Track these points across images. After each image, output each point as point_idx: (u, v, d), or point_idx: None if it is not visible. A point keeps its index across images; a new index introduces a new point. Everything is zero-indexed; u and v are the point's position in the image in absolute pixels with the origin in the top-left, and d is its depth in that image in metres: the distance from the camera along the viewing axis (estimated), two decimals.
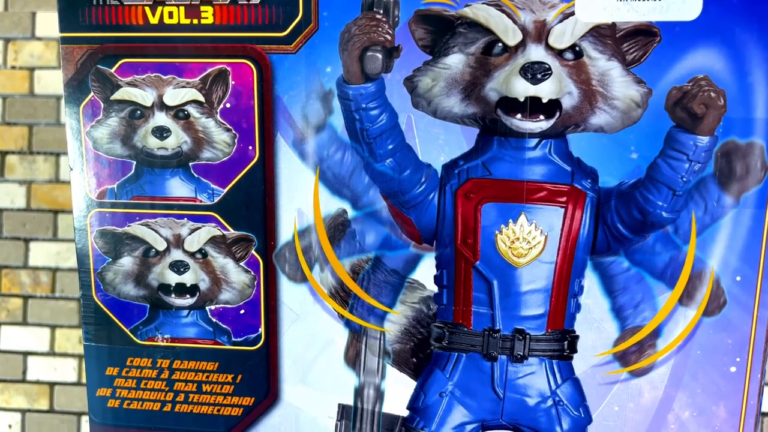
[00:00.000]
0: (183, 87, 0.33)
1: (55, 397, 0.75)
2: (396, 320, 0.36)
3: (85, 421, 0.75)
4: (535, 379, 0.35)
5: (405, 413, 0.36)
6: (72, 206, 0.36)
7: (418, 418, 0.36)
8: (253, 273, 0.36)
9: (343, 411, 0.37)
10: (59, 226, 0.77)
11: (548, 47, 0.31)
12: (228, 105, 0.34)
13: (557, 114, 0.31)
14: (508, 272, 0.34)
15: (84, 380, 0.75)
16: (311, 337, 0.36)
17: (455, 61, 0.32)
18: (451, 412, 0.36)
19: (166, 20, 0.34)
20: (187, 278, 0.36)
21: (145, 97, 0.33)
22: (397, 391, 0.36)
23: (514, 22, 0.31)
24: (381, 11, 0.32)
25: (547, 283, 0.34)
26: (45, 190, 0.74)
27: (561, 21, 0.31)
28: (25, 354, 0.75)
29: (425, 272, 0.35)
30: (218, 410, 0.37)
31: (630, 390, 0.35)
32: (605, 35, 0.31)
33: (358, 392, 0.37)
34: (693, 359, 0.35)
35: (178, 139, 0.34)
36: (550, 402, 0.35)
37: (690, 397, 0.35)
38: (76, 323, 0.74)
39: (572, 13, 0.30)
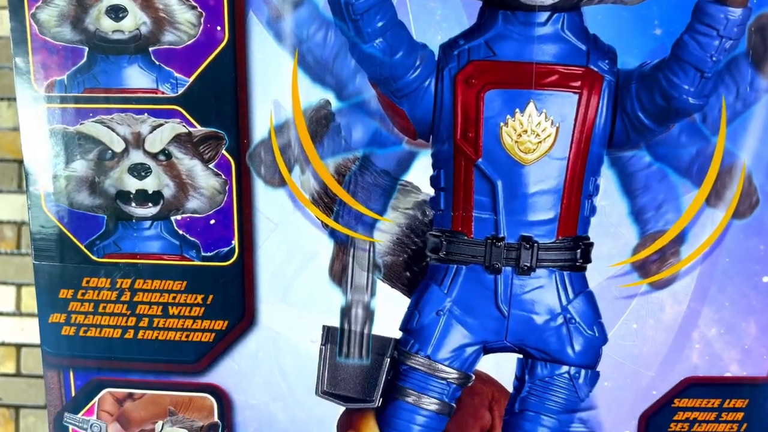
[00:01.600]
0: None
1: (22, 359, 0.71)
2: (387, 229, 0.32)
3: None
4: (543, 293, 0.31)
5: (397, 335, 0.33)
6: (17, 102, 0.31)
7: (412, 340, 0.33)
8: (223, 177, 0.31)
9: (328, 334, 0.33)
10: (24, 177, 0.72)
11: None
12: None
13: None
14: (514, 170, 0.30)
15: None
16: (291, 250, 0.32)
17: None
18: (449, 332, 0.32)
19: None
20: (149, 184, 0.32)
21: None
22: (389, 311, 0.32)
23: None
24: None
25: (558, 183, 0.30)
26: (9, 139, 0.69)
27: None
28: None
29: (420, 173, 0.31)
30: (187, 336, 0.33)
31: (650, 305, 0.31)
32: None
33: (345, 312, 0.33)
34: (721, 269, 0.31)
35: (135, 20, 0.30)
36: (560, 320, 0.32)
37: (717, 313, 0.31)
38: None
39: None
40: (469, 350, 0.33)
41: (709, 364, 0.32)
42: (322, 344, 0.33)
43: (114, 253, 0.33)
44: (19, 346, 0.69)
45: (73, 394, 0.34)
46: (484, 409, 0.33)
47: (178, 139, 0.31)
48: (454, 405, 0.33)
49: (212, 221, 0.32)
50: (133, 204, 0.32)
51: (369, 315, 0.33)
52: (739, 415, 0.32)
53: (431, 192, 0.31)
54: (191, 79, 0.30)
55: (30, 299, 0.69)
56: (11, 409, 0.70)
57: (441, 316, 0.32)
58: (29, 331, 0.69)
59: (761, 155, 0.30)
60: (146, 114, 0.31)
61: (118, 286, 0.33)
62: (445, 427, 0.33)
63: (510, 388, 0.33)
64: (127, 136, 0.31)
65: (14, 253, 0.69)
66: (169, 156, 0.31)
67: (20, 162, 0.71)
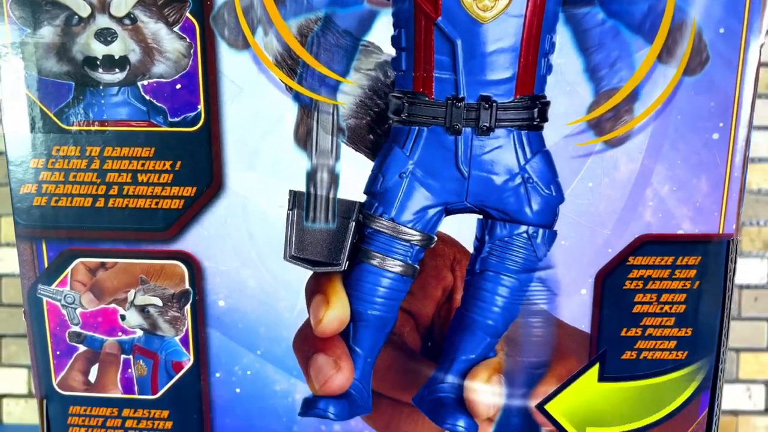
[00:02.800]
0: None
1: (3, 289, 0.71)
2: (350, 91, 0.32)
3: None
4: (502, 153, 0.32)
5: (362, 199, 0.34)
6: None
7: (376, 203, 0.33)
8: (188, 40, 0.32)
9: (295, 198, 0.33)
10: None
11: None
12: None
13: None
14: (473, 29, 0.31)
15: None
16: (256, 114, 0.32)
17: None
18: (411, 195, 0.33)
19: None
20: (115, 49, 0.32)
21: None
22: (353, 174, 0.33)
23: None
24: None
25: (516, 41, 0.31)
26: None
27: None
28: None
29: (381, 33, 0.31)
30: (156, 203, 0.34)
31: (605, 163, 0.32)
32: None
33: (311, 176, 0.33)
34: (673, 126, 0.32)
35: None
36: (518, 180, 0.33)
37: (669, 170, 0.32)
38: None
39: None
40: (432, 212, 0.33)
41: (663, 222, 0.33)
42: (289, 209, 0.34)
43: (83, 121, 0.33)
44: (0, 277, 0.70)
45: (46, 265, 0.35)
46: (446, 270, 0.34)
47: (142, 3, 0.31)
48: (418, 267, 0.34)
49: (178, 86, 0.32)
50: (100, 70, 0.32)
51: (334, 179, 0.33)
52: (692, 273, 0.33)
53: (393, 52, 0.32)
54: None
55: (8, 228, 0.70)
56: None
57: (404, 178, 0.33)
58: (8, 261, 0.70)
59: (710, 11, 0.30)
60: None
61: (87, 154, 0.33)
62: (409, 289, 0.35)
63: (471, 249, 0.34)
64: (93, 0, 0.32)
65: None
66: (134, 20, 0.32)
67: None
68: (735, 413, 0.69)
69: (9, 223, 0.73)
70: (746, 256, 0.67)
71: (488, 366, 0.35)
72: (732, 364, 0.69)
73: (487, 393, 0.35)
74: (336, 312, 0.34)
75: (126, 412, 0.37)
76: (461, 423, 0.35)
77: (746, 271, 0.67)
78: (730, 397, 0.69)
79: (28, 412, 0.73)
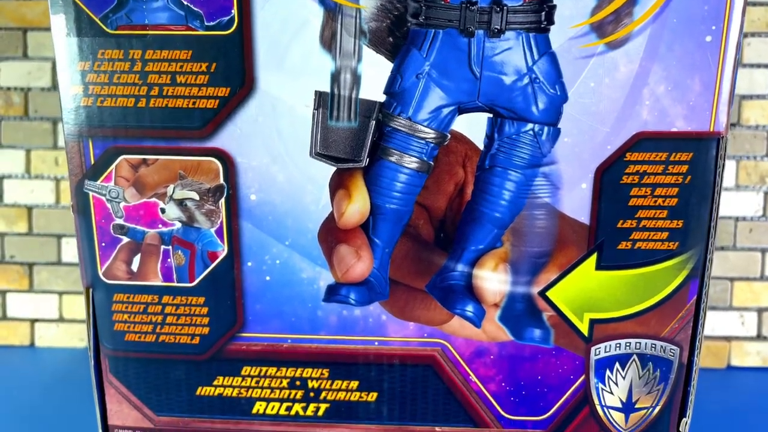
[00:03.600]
0: None
1: (34, 219, 0.75)
2: None
3: (65, 242, 0.75)
4: (511, 55, 0.35)
5: (382, 98, 0.37)
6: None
7: (394, 103, 0.36)
8: None
9: (320, 98, 0.36)
10: (29, 45, 0.75)
11: None
12: None
13: None
14: None
15: (62, 201, 0.75)
16: (286, 18, 0.35)
17: None
18: (428, 94, 0.36)
19: None
20: None
21: None
22: (374, 75, 0.36)
23: None
24: None
25: None
26: (11, 8, 0.72)
27: None
28: (1, 178, 0.74)
29: None
30: (193, 103, 0.37)
31: (606, 64, 0.35)
32: None
33: (335, 77, 0.36)
34: (669, 28, 0.35)
35: None
36: (526, 80, 0.35)
37: (665, 70, 0.35)
38: (51, 144, 0.73)
39: None
40: (446, 111, 0.36)
41: (658, 120, 0.36)
42: (314, 108, 0.37)
43: (126, 25, 0.36)
44: (30, 207, 0.73)
45: (92, 162, 0.38)
46: (458, 166, 0.37)
47: None
48: (432, 163, 0.37)
49: None
50: None
51: (356, 80, 0.36)
52: (684, 168, 0.36)
53: None
54: None
55: (39, 162, 0.73)
56: (25, 266, 0.74)
57: (420, 79, 0.36)
58: (39, 192, 0.73)
59: None
60: None
61: (129, 57, 0.36)
62: (424, 184, 0.38)
63: (481, 146, 0.37)
64: None
65: (23, 118, 0.72)
66: None
67: (24, 30, 0.73)
68: (728, 339, 0.72)
69: (38, 156, 0.76)
70: (742, 189, 0.69)
71: (495, 255, 0.38)
72: (726, 292, 0.72)
73: (493, 280, 0.38)
74: (357, 205, 0.38)
75: (165, 299, 0.40)
76: (470, 308, 0.38)
77: (742, 203, 0.70)
78: (724, 323, 0.72)
79: (59, 336, 0.77)
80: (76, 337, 0.77)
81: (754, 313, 0.71)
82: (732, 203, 0.70)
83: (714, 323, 0.72)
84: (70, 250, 0.76)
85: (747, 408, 0.64)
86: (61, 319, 0.76)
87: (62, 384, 0.68)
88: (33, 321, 0.77)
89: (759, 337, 0.72)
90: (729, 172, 0.69)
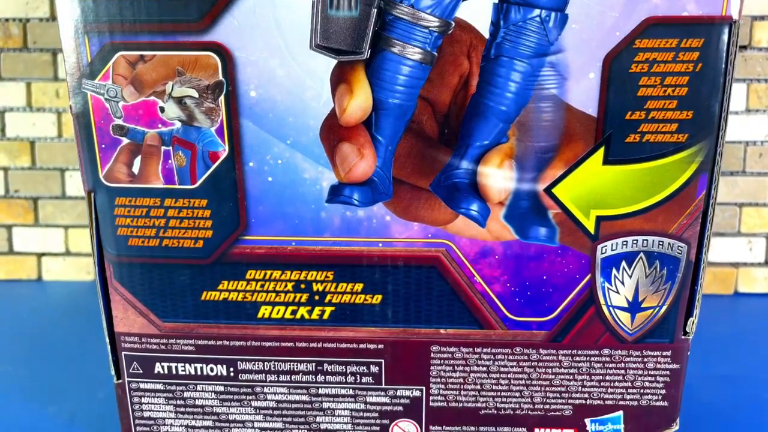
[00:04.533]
0: None
1: (37, 153, 0.75)
2: None
3: (69, 176, 0.75)
4: None
5: None
6: None
7: None
8: None
9: None
10: None
11: None
12: None
13: None
14: None
15: (64, 134, 0.74)
16: None
17: None
18: None
19: None
20: None
21: None
22: None
23: None
24: None
25: None
26: None
27: None
28: (2, 112, 0.74)
29: None
30: None
31: None
32: None
33: None
34: None
35: None
36: None
37: None
38: (52, 76, 0.72)
39: None
40: None
41: (669, 3, 0.34)
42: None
43: None
44: (32, 141, 0.73)
45: (89, 60, 0.38)
46: (462, 56, 0.37)
47: None
48: (436, 54, 0.36)
49: None
50: None
51: None
52: (695, 55, 0.35)
53: None
54: None
55: (40, 95, 0.72)
56: (30, 200, 0.74)
57: None
58: (41, 125, 0.73)
59: None
60: None
61: None
62: (428, 76, 0.37)
63: (486, 35, 0.36)
64: None
65: (22, 50, 0.71)
66: None
67: None
68: (735, 265, 0.71)
69: (38, 88, 0.76)
70: (753, 113, 0.68)
71: (500, 151, 0.37)
72: (734, 218, 0.71)
73: (498, 178, 0.38)
74: (359, 101, 0.37)
75: (168, 201, 0.40)
76: (474, 207, 0.38)
77: (752, 127, 0.69)
78: (732, 249, 0.71)
79: (66, 269, 0.78)
80: (83, 270, 0.77)
81: (762, 239, 0.71)
82: (741, 127, 0.69)
83: (721, 249, 0.72)
84: (75, 184, 0.75)
85: (754, 333, 0.64)
86: (67, 253, 0.77)
87: (70, 316, 0.69)
88: (40, 255, 0.77)
89: (767, 263, 0.71)
90: (739, 96, 0.68)
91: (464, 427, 0.44)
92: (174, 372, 0.44)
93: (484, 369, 0.42)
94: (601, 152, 0.37)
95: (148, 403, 0.45)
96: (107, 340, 0.44)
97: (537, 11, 0.35)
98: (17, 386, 0.55)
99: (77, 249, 0.76)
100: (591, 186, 0.38)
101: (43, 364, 0.59)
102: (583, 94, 0.36)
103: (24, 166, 0.74)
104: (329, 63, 0.37)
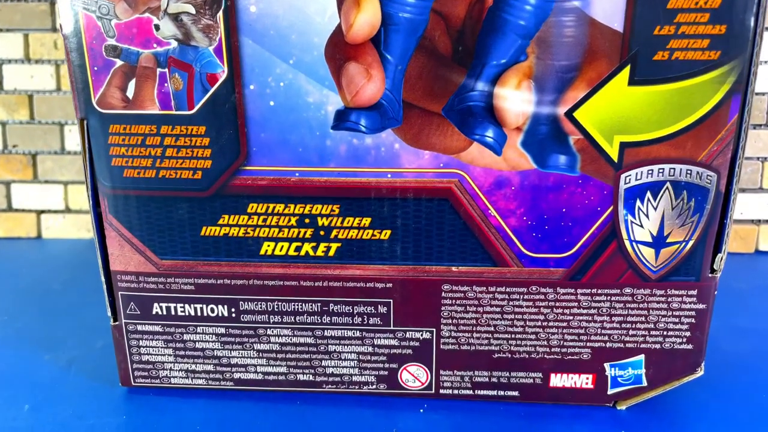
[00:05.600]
0: None
1: (35, 106, 0.73)
2: None
3: (68, 130, 0.73)
4: None
5: None
6: None
7: None
8: None
9: None
10: None
11: None
12: None
13: None
14: None
15: (63, 87, 0.72)
16: None
17: None
18: None
19: None
20: None
21: None
22: None
23: None
24: None
25: None
26: None
27: None
28: (0, 64, 0.72)
29: None
30: None
31: None
32: None
33: None
34: None
35: None
36: None
37: None
38: (50, 27, 0.70)
39: None
40: None
41: None
42: None
43: None
44: (30, 94, 0.71)
45: None
46: None
47: None
48: None
49: None
50: None
51: None
52: None
53: None
54: None
55: (38, 46, 0.70)
56: (28, 155, 0.72)
57: None
58: (39, 78, 0.71)
59: None
60: None
61: None
62: None
63: None
64: None
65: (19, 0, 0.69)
66: None
67: None
68: (757, 222, 0.69)
69: (36, 39, 0.73)
70: None
71: (519, 70, 0.35)
72: (756, 173, 0.69)
73: (516, 100, 0.35)
74: (367, 15, 0.34)
75: (164, 129, 0.38)
76: (490, 133, 0.36)
77: None
78: (753, 206, 0.69)
79: (66, 226, 0.76)
80: (83, 228, 0.75)
81: None
82: (765, 79, 0.66)
83: (743, 206, 0.69)
84: (74, 138, 0.73)
85: None
86: (67, 210, 0.75)
87: (69, 271, 0.67)
88: (39, 212, 0.75)
89: None
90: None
91: (476, 372, 0.42)
92: (173, 313, 0.42)
93: (498, 309, 0.40)
94: (626, 71, 0.35)
95: (146, 347, 0.43)
96: (103, 279, 0.42)
97: None
98: (13, 335, 0.53)
99: (77, 206, 0.75)
100: (615, 109, 0.35)
101: (41, 316, 0.57)
102: (609, 6, 0.34)
103: (22, 120, 0.72)
104: None
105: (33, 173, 0.74)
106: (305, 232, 0.39)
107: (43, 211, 0.74)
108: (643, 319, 0.40)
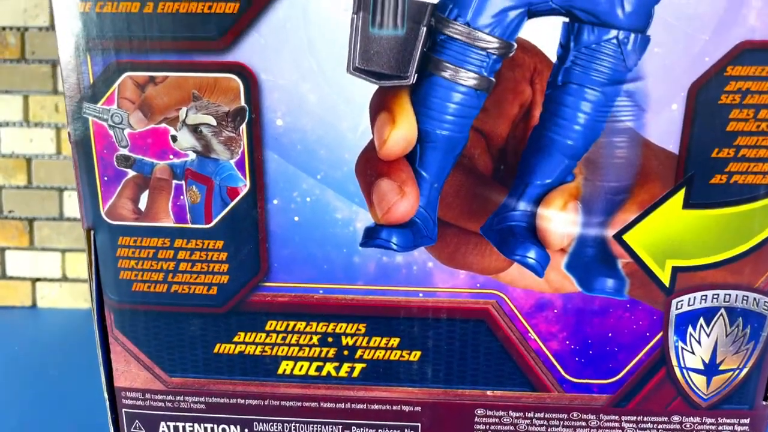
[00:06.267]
0: None
1: (33, 171, 0.70)
2: None
3: (67, 196, 0.70)
4: None
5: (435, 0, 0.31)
6: None
7: (451, 4, 0.30)
8: None
9: (361, 1, 0.31)
10: None
11: None
12: None
13: None
14: None
15: (63, 151, 0.69)
16: None
17: None
18: None
19: None
20: None
21: None
22: None
23: None
24: None
25: None
26: None
27: None
28: None
29: None
30: (209, 7, 0.31)
31: None
32: None
33: None
34: None
35: None
36: None
37: None
38: (51, 89, 0.67)
39: None
40: (512, 14, 0.31)
41: (767, 26, 0.30)
42: (354, 13, 0.31)
43: None
44: (29, 158, 0.68)
45: (91, 81, 0.33)
46: (525, 82, 0.32)
47: None
48: (494, 79, 0.32)
49: None
50: None
51: None
52: None
53: None
54: None
55: (38, 109, 0.67)
56: (25, 221, 0.69)
57: None
58: (39, 142, 0.68)
59: None
60: None
61: None
62: (483, 105, 0.32)
63: (553, 59, 0.31)
64: None
65: (19, 61, 0.67)
66: None
67: None
68: None
69: (36, 102, 0.71)
70: None
71: (564, 191, 0.33)
72: None
73: (561, 221, 0.33)
74: (402, 131, 0.32)
75: (178, 242, 0.35)
76: (532, 254, 0.33)
77: None
78: None
79: (63, 296, 0.73)
80: (81, 297, 0.72)
81: None
82: None
83: None
84: (73, 204, 0.70)
85: None
86: (64, 279, 0.72)
87: (66, 346, 0.64)
88: (34, 280, 0.72)
89: None
90: None
91: None
92: None
93: None
94: (681, 194, 0.32)
95: None
96: (106, 395, 0.39)
97: (614, 32, 0.30)
98: (5, 427, 0.50)
99: (75, 274, 0.71)
100: (668, 232, 0.33)
101: (35, 404, 0.54)
102: (664, 128, 0.31)
103: (19, 184, 0.69)
104: (369, 88, 0.32)
105: (29, 240, 0.70)
106: (328, 352, 0.37)
107: (38, 279, 0.71)
108: None
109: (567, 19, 0.30)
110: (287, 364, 0.37)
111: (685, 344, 0.35)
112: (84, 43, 0.32)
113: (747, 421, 0.36)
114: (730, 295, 0.34)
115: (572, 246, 0.33)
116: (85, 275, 0.72)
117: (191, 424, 0.38)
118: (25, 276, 0.71)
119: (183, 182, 0.34)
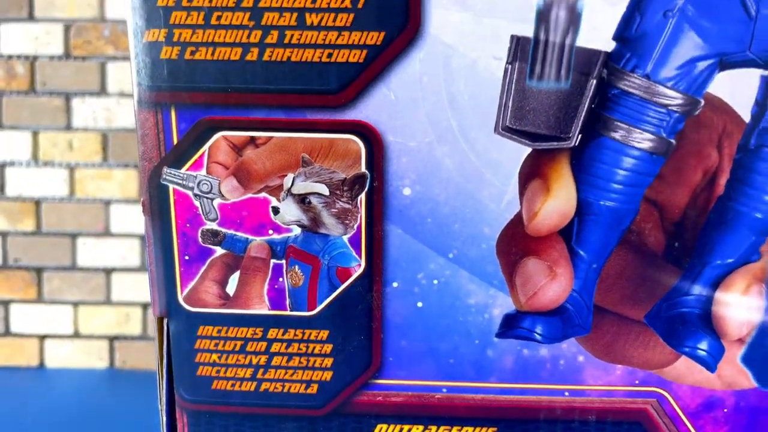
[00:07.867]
0: None
1: (43, 216, 0.63)
2: None
3: (81, 243, 0.63)
4: None
5: (608, 47, 0.26)
6: None
7: (628, 53, 0.25)
8: None
9: (518, 47, 0.25)
10: (36, 4, 0.63)
11: None
12: None
13: None
14: None
15: (77, 192, 0.63)
16: None
17: None
18: (677, 41, 0.25)
19: None
20: None
21: None
22: (601, 13, 0.25)
23: None
24: None
25: None
26: None
27: None
28: (2, 165, 0.62)
29: None
30: (329, 55, 0.26)
31: None
32: None
33: (542, 15, 0.25)
34: None
35: None
36: None
37: None
38: (64, 125, 0.61)
39: None
40: (701, 65, 0.25)
41: None
42: (508, 62, 0.26)
43: None
44: (38, 201, 0.61)
45: (175, 141, 0.27)
46: (710, 145, 0.27)
47: None
48: (674, 141, 0.27)
49: None
50: None
51: (573, 19, 0.25)
52: None
53: None
54: None
55: (49, 147, 0.61)
56: (32, 271, 0.62)
57: (670, 18, 0.25)
58: (49, 183, 0.61)
59: None
60: None
61: None
62: (659, 171, 0.27)
63: (747, 118, 0.26)
64: None
65: (28, 93, 0.60)
66: None
67: None
68: None
69: (47, 138, 0.64)
70: None
71: (748, 272, 0.27)
72: None
73: (742, 307, 0.28)
74: (557, 202, 0.27)
75: (272, 332, 0.29)
76: (703, 345, 0.28)
77: None
78: None
79: (74, 354, 0.66)
80: (94, 356, 0.65)
81: None
82: None
83: None
84: (87, 253, 0.64)
85: None
86: (75, 335, 0.65)
87: (77, 413, 0.57)
88: (42, 337, 0.65)
89: None
90: None
91: None
92: None
93: None
94: None
95: None
96: None
97: None
98: None
99: (88, 330, 0.64)
100: None
101: None
102: None
103: (27, 230, 0.63)
104: (520, 152, 0.27)
105: (37, 292, 0.63)
106: None
107: (46, 336, 0.64)
108: None
109: (766, 72, 0.26)
110: None
111: None
112: (168, 95, 0.26)
113: None
114: None
115: (751, 336, 0.28)
116: (98, 331, 0.65)
117: None
118: (32, 332, 0.63)
119: (284, 262, 0.28)
